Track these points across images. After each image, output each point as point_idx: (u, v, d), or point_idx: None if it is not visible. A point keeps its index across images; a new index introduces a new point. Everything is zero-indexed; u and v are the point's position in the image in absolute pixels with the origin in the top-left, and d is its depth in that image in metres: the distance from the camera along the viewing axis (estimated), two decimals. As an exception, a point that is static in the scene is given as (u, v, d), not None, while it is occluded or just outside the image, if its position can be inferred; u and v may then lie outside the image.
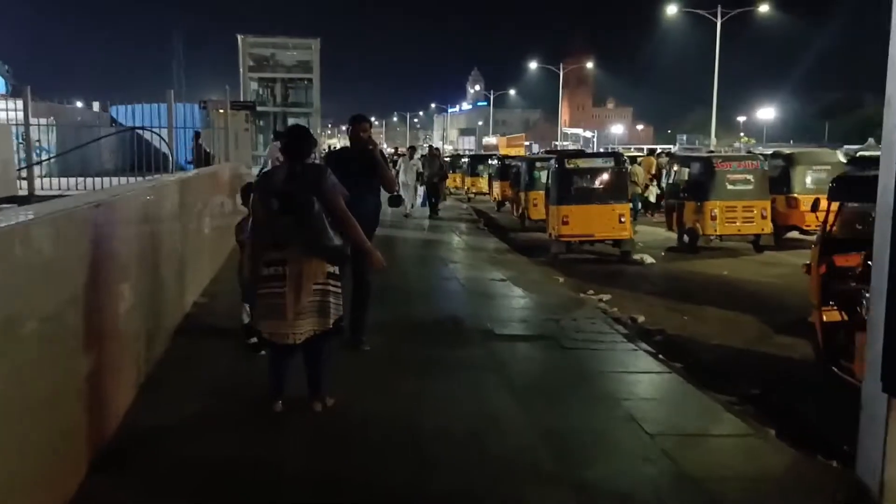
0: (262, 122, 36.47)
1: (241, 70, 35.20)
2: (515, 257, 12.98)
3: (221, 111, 27.77)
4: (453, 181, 30.07)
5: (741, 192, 14.23)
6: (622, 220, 13.46)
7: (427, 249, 14.09)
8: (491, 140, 79.57)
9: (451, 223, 18.38)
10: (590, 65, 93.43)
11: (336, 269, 4.77)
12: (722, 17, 39.08)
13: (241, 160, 27.93)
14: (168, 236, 6.55)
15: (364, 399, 5.16)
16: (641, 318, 8.78)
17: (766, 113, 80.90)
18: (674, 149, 31.41)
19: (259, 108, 35.68)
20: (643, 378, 6.06)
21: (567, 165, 13.69)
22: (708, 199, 14.22)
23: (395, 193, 17.90)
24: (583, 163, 13.84)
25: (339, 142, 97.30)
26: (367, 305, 6.19)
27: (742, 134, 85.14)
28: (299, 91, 37.28)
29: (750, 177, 14.26)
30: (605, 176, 13.73)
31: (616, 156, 14.18)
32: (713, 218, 14.14)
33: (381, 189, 6.20)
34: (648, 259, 13.43)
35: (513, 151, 46.27)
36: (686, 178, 15.21)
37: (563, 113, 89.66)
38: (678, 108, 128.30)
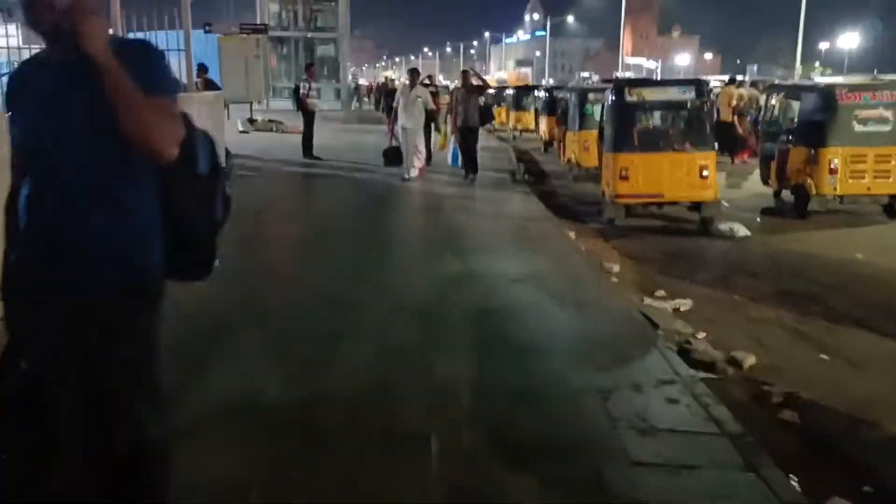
0: (284, 50, 32.77)
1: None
2: (554, 227, 9.26)
3: (226, 35, 24.33)
4: (497, 116, 25.97)
5: (874, 135, 10.14)
6: (705, 174, 9.62)
7: (426, 221, 10.19)
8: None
9: (479, 174, 13.24)
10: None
11: None
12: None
13: (252, 91, 24.50)
14: None
15: None
16: (750, 360, 5.13)
17: (849, 40, 73.46)
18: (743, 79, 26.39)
19: (280, 34, 31.96)
20: None
21: (628, 98, 9.81)
22: (826, 145, 10.21)
23: (393, 146, 13.55)
24: (650, 94, 9.93)
25: (395, 74, 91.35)
26: None
27: (817, 63, 77.74)
28: (327, 14, 33.26)
29: (889, 114, 10.15)
30: (683, 112, 9.85)
31: (697, 84, 10.14)
32: (832, 171, 10.14)
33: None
34: (741, 230, 9.59)
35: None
36: (793, 114, 11.15)
37: (626, 41, 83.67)
38: (749, 35, 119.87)
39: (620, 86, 10.03)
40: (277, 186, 12.83)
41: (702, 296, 6.83)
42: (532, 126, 24.40)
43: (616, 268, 7.68)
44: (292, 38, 32.04)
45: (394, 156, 12.93)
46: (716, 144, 10.19)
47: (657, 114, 9.95)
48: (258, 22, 27.51)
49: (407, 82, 13.27)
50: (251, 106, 23.47)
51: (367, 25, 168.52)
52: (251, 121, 22.12)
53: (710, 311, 6.45)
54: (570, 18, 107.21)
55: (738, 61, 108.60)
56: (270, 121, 22.31)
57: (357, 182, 13.01)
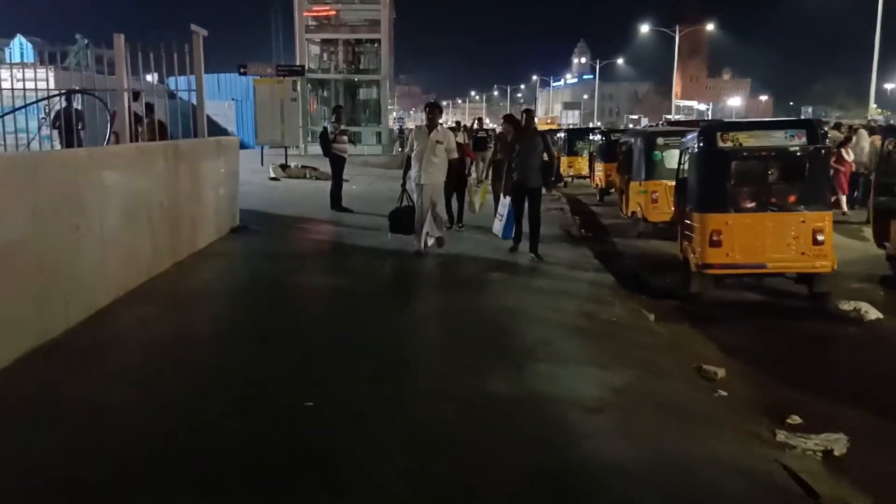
0: (325, 93, 31.48)
1: (296, 30, 30.07)
2: (629, 311, 7.16)
3: (261, 78, 23.00)
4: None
5: None
6: (820, 239, 7.59)
7: (460, 308, 6.92)
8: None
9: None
10: (709, 27, 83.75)
11: None
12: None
13: (288, 136, 23.06)
14: None
15: None
16: None
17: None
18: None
19: (320, 76, 30.73)
20: None
21: (720, 144, 7.86)
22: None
23: (403, 206, 9.33)
24: (748, 139, 7.95)
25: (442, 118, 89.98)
26: None
27: (875, 105, 74.53)
28: (369, 56, 32.01)
29: None
30: (791, 162, 7.87)
31: (809, 127, 8.10)
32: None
33: None
34: (870, 311, 7.49)
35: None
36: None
37: (675, 84, 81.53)
38: (802, 78, 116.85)
39: (711, 130, 8.05)
40: (274, 254, 9.66)
41: (854, 423, 4.80)
42: (585, 171, 22.65)
43: (721, 373, 5.68)
44: (333, 81, 30.71)
45: (401, 220, 9.49)
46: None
47: (758, 163, 7.96)
48: (298, 64, 26.20)
49: (424, 123, 9.42)
50: (286, 151, 22.06)
51: (415, 70, 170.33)
52: (284, 167, 20.59)
53: (876, 453, 4.41)
54: (619, 62, 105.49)
55: (791, 103, 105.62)
56: (304, 167, 20.74)
57: (381, 248, 9.64)
